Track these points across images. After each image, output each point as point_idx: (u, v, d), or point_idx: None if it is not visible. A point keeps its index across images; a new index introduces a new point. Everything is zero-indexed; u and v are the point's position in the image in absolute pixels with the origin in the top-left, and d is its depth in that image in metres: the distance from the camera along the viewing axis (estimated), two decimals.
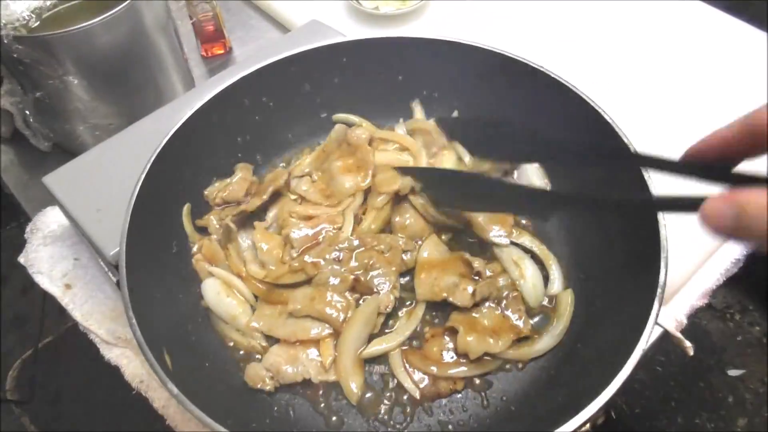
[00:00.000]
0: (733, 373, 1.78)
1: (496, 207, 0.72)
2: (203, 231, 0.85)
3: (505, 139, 0.63)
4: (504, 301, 0.76)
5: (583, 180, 0.72)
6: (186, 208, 0.84)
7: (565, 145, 0.58)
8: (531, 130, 0.59)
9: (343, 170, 0.87)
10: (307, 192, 0.87)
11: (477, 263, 0.77)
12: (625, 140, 0.73)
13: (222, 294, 0.79)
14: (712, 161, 0.45)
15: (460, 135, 0.73)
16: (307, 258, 0.78)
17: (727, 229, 0.39)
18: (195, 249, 0.83)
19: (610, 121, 0.75)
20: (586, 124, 0.77)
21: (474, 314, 0.75)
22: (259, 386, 0.72)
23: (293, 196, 0.88)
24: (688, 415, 1.67)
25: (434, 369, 0.73)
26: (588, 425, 0.63)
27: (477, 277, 0.77)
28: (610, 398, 0.57)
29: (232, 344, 0.78)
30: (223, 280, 0.80)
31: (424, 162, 0.89)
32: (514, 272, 0.80)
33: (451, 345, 0.74)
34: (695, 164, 0.46)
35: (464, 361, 0.73)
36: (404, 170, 0.82)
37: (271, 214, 0.87)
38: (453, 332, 0.74)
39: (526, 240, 0.82)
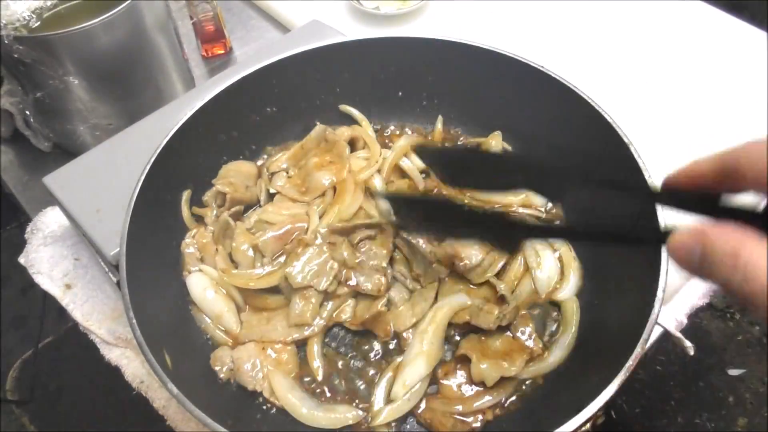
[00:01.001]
0: (733, 372, 1.78)
1: (463, 234, 0.71)
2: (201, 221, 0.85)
3: (483, 169, 0.63)
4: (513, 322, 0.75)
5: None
6: (186, 194, 0.84)
7: (549, 172, 0.57)
8: (514, 158, 0.59)
9: (318, 166, 0.87)
10: (283, 187, 0.87)
11: (502, 287, 0.76)
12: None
13: (209, 290, 0.78)
14: (691, 192, 0.41)
15: (438, 163, 0.70)
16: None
17: (691, 266, 0.36)
18: (188, 235, 0.82)
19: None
20: (593, 133, 0.77)
21: (482, 337, 0.74)
22: (215, 368, 0.72)
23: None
24: (688, 415, 1.67)
25: (459, 408, 0.70)
26: (588, 425, 0.63)
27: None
28: (610, 398, 0.57)
29: (210, 341, 0.77)
30: (211, 277, 0.79)
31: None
32: (532, 260, 0.79)
33: (464, 377, 0.72)
34: (674, 194, 0.43)
35: (483, 389, 0.71)
36: (380, 194, 0.82)
37: (254, 216, 0.86)
38: (464, 361, 0.72)
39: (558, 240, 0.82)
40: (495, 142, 0.90)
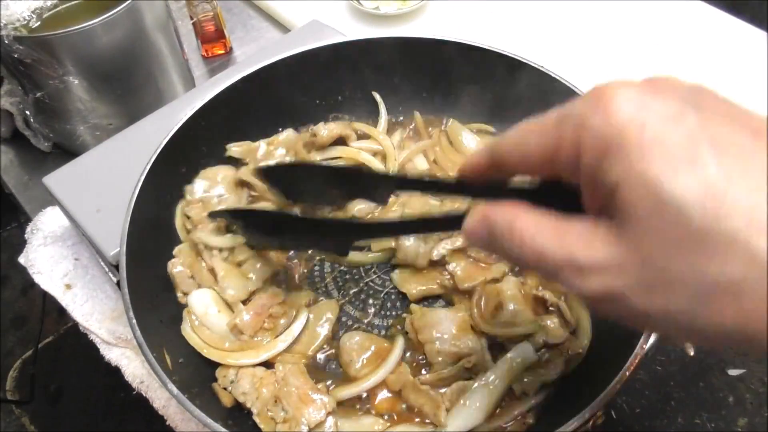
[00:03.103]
0: (733, 372, 1.78)
1: (299, 243, 0.75)
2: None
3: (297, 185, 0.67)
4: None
5: None
6: (180, 208, 0.81)
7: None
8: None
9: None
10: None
11: (548, 295, 0.74)
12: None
13: (213, 307, 0.74)
14: (479, 182, 0.44)
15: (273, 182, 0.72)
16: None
17: (484, 246, 0.39)
18: (175, 251, 0.78)
19: None
20: None
21: None
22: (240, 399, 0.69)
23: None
24: (688, 415, 1.67)
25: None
26: (588, 425, 0.63)
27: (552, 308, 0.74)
28: (610, 398, 0.57)
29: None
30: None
31: (394, 161, 0.88)
32: None
33: None
34: (466, 186, 0.45)
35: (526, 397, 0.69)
36: (214, 214, 0.77)
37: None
38: None
39: None
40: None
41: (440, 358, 0.70)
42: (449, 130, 0.92)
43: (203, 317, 0.74)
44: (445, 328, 0.71)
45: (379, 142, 0.90)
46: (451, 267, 0.78)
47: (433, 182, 0.52)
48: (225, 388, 0.70)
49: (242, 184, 0.85)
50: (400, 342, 0.73)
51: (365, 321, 0.77)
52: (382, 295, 0.79)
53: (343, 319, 0.77)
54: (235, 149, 0.87)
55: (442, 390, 0.69)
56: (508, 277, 0.78)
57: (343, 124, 0.91)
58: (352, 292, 0.79)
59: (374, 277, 0.81)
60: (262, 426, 0.66)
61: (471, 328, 0.73)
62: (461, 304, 0.76)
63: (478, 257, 0.79)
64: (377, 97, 0.94)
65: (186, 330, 0.73)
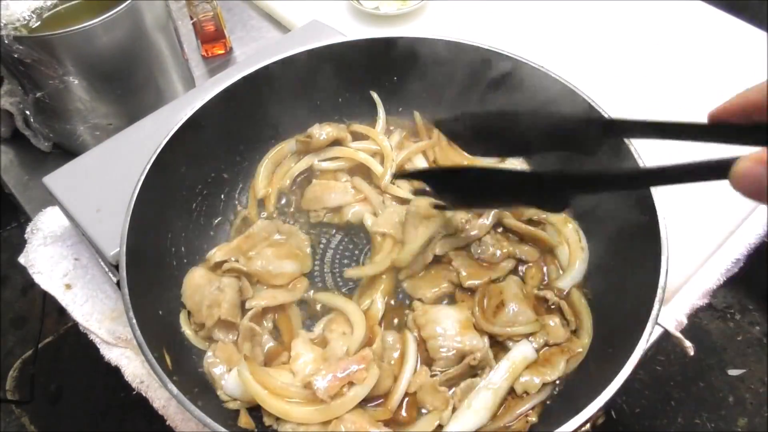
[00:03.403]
0: (733, 373, 1.78)
1: (502, 200, 0.69)
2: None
3: (496, 135, 0.62)
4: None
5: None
6: (183, 316, 0.77)
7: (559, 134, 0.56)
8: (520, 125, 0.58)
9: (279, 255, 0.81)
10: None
11: (549, 295, 0.75)
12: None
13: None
14: (740, 122, 0.41)
15: (455, 134, 0.71)
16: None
17: (759, 191, 0.36)
18: (209, 352, 0.73)
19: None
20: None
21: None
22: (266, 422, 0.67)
23: None
24: (688, 415, 1.67)
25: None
26: (588, 425, 0.63)
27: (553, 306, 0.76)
28: (610, 398, 0.57)
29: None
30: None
31: (392, 161, 0.88)
32: (554, 235, 0.79)
33: None
34: (722, 127, 0.42)
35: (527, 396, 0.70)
36: (410, 175, 0.80)
37: (320, 325, 0.77)
38: None
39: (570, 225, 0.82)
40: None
41: (443, 354, 0.70)
42: None
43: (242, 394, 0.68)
44: (449, 325, 0.72)
45: (377, 143, 0.90)
46: (456, 264, 0.78)
47: (678, 125, 0.46)
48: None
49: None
50: (411, 341, 0.73)
51: None
52: None
53: None
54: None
55: (450, 391, 0.69)
56: (510, 277, 0.78)
57: (339, 127, 0.91)
58: None
59: None
60: None
61: (474, 326, 0.73)
62: (464, 303, 0.76)
63: (484, 257, 0.79)
64: (375, 97, 0.94)
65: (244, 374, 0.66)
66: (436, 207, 0.75)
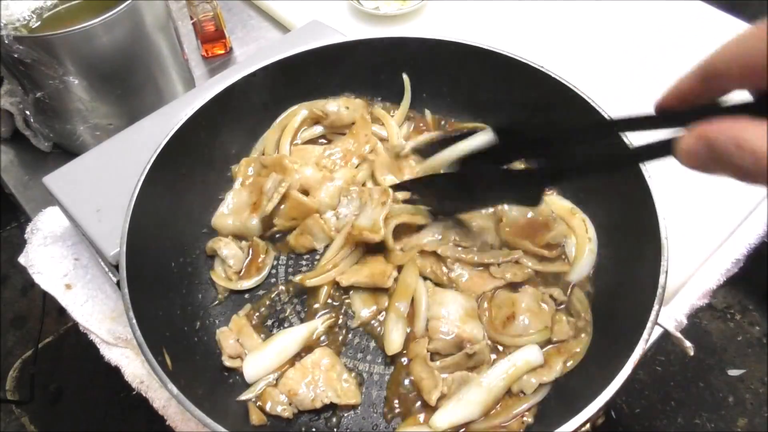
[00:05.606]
0: (733, 373, 1.78)
1: (490, 199, 0.75)
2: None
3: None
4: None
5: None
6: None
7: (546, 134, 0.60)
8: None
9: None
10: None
11: (556, 293, 0.75)
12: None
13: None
14: (681, 109, 0.44)
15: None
16: None
17: (702, 164, 0.39)
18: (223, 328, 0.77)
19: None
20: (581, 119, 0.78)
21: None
22: (278, 411, 0.68)
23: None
24: (688, 415, 1.67)
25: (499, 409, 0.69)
26: (588, 425, 0.63)
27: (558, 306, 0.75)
28: (610, 398, 0.57)
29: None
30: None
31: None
32: (561, 226, 0.79)
33: None
34: (669, 114, 0.46)
35: (524, 395, 0.70)
36: (397, 186, 0.80)
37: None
38: None
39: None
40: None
41: (441, 336, 0.71)
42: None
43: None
44: (453, 310, 0.72)
45: (386, 124, 0.92)
46: (455, 273, 0.78)
47: (627, 120, 0.51)
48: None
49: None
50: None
51: None
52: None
53: None
54: None
55: (445, 375, 0.69)
56: (525, 288, 0.77)
57: (360, 104, 0.93)
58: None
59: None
60: None
61: (478, 317, 0.73)
62: (474, 294, 0.77)
63: (487, 264, 0.79)
64: (406, 80, 0.93)
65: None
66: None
